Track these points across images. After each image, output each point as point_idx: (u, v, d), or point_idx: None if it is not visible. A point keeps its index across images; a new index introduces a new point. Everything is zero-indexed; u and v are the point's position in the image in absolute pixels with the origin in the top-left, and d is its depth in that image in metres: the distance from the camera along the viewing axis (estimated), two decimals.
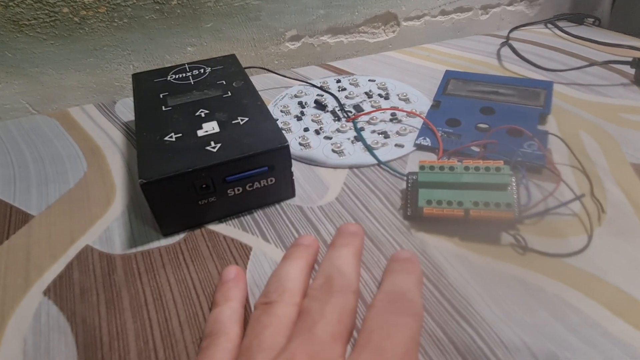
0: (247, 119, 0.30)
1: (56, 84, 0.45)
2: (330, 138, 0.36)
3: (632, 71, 0.43)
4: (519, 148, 0.32)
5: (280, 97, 0.43)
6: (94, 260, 0.26)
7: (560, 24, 0.60)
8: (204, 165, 0.26)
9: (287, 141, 0.27)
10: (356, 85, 0.45)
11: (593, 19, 0.61)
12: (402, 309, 0.20)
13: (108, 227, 0.29)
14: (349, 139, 0.36)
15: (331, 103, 0.41)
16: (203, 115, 0.31)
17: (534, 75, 0.46)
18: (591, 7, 0.64)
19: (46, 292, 0.24)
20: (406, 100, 0.41)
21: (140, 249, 0.27)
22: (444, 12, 0.59)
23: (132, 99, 0.38)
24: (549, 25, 0.60)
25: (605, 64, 0.44)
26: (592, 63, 0.45)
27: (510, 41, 0.54)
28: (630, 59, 0.43)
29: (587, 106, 0.39)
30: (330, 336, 0.19)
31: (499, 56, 0.51)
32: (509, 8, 0.62)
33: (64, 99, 0.46)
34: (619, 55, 0.49)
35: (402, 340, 0.18)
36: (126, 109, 0.44)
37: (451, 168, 0.27)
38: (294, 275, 0.22)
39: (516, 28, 0.59)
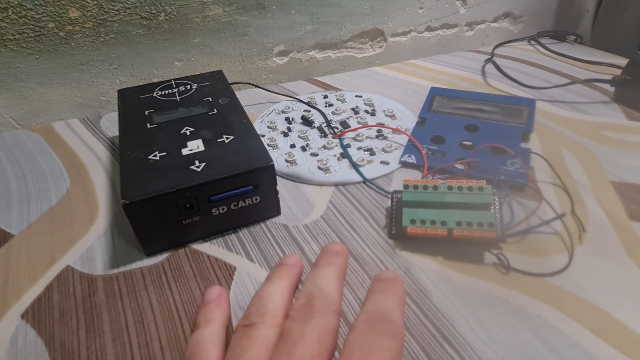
0: (232, 137, 0.30)
1: (41, 98, 0.44)
2: (316, 155, 0.36)
3: (612, 89, 0.45)
4: (502, 166, 0.33)
5: (267, 112, 0.43)
6: (74, 282, 0.26)
7: (543, 40, 0.61)
8: (188, 185, 0.25)
9: (272, 160, 0.27)
10: (343, 101, 0.45)
11: (575, 36, 0.62)
12: (383, 330, 0.20)
13: (90, 247, 0.28)
14: (335, 155, 0.36)
15: (318, 119, 0.42)
16: (188, 133, 0.30)
17: (517, 92, 0.47)
18: (573, 25, 0.65)
19: (24, 316, 0.24)
20: (392, 116, 0.42)
21: (122, 269, 0.27)
22: (430, 29, 0.60)
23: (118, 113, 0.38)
24: (532, 42, 0.62)
25: (586, 82, 0.45)
26: (574, 81, 0.46)
27: (494, 58, 0.55)
28: (610, 77, 0.44)
29: (569, 124, 0.40)
30: (309, 359, 0.18)
31: (483, 73, 0.52)
32: (493, 25, 0.64)
33: (48, 113, 0.45)
34: (599, 72, 0.50)
35: None
36: (112, 124, 0.43)
37: (435, 187, 0.27)
38: (275, 296, 0.22)
39: (500, 44, 0.60)
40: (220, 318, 0.22)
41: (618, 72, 0.45)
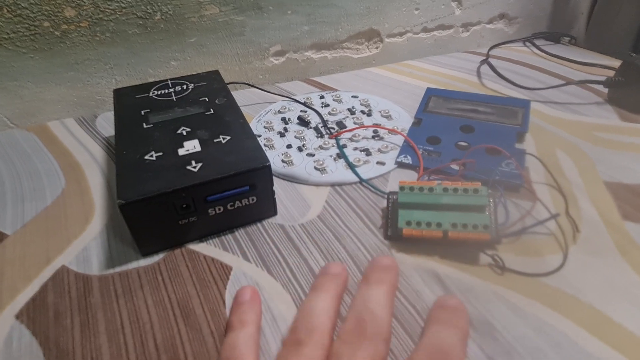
0: (229, 137, 0.30)
1: (35, 97, 0.44)
2: (312, 155, 0.36)
3: (606, 90, 0.45)
4: (497, 167, 0.33)
5: (263, 112, 0.43)
6: (69, 282, 0.26)
7: (538, 42, 0.62)
8: (185, 186, 0.25)
9: (268, 161, 0.27)
10: (339, 101, 0.45)
11: (569, 38, 0.63)
12: None
13: (85, 247, 0.28)
14: (331, 156, 0.36)
15: (314, 119, 0.42)
16: (185, 133, 0.30)
17: (512, 93, 0.47)
18: (567, 26, 0.66)
19: (19, 316, 0.24)
20: (388, 117, 0.42)
21: (118, 269, 0.26)
22: (425, 30, 0.60)
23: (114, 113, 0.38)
24: (527, 44, 0.62)
25: (580, 83, 0.46)
26: (568, 82, 0.46)
27: (489, 59, 0.55)
28: (603, 79, 0.44)
29: (563, 124, 0.40)
30: None
31: (478, 74, 0.52)
32: (488, 26, 0.64)
33: (43, 113, 0.45)
34: (593, 74, 0.50)
35: None
36: (107, 124, 0.43)
37: (430, 189, 0.27)
38: (322, 311, 0.22)
39: (496, 46, 0.61)
40: (255, 320, 0.22)
41: (611, 73, 0.45)
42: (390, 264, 0.25)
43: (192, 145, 0.29)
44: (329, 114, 0.43)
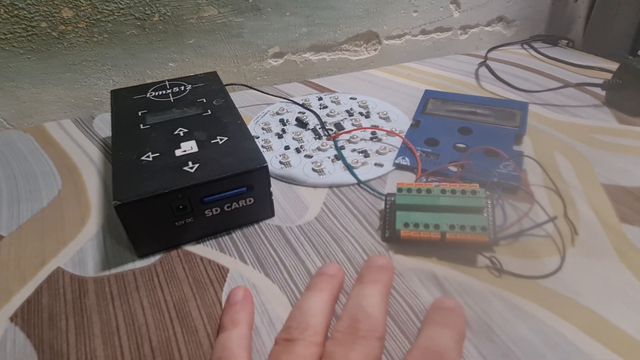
0: (226, 138, 0.30)
1: (32, 98, 0.44)
2: (310, 156, 0.36)
3: (603, 93, 0.45)
4: (495, 169, 0.33)
5: (261, 114, 0.43)
6: (64, 284, 0.25)
7: (536, 44, 0.62)
8: (181, 186, 0.25)
9: (266, 162, 0.27)
10: (337, 103, 0.45)
11: (567, 41, 0.63)
12: None
13: (81, 249, 0.28)
14: (329, 157, 0.36)
15: (312, 121, 0.42)
16: (182, 134, 0.30)
17: (510, 96, 0.47)
18: (565, 29, 0.66)
19: (13, 318, 0.23)
20: (386, 118, 0.42)
21: (114, 271, 0.26)
22: (424, 32, 0.60)
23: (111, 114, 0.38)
24: (525, 46, 0.62)
25: (578, 85, 0.46)
26: (566, 84, 0.47)
27: (487, 61, 0.55)
28: (601, 82, 0.44)
29: (561, 127, 0.40)
30: None
31: (477, 76, 0.52)
32: (487, 29, 0.64)
33: (40, 114, 0.45)
34: (590, 76, 0.51)
35: None
36: (105, 125, 0.43)
37: (428, 191, 0.27)
38: (317, 310, 0.21)
39: (494, 48, 0.61)
40: (247, 320, 0.22)
41: (609, 76, 0.45)
42: (385, 263, 0.25)
43: (189, 146, 0.29)
44: (327, 115, 0.43)
